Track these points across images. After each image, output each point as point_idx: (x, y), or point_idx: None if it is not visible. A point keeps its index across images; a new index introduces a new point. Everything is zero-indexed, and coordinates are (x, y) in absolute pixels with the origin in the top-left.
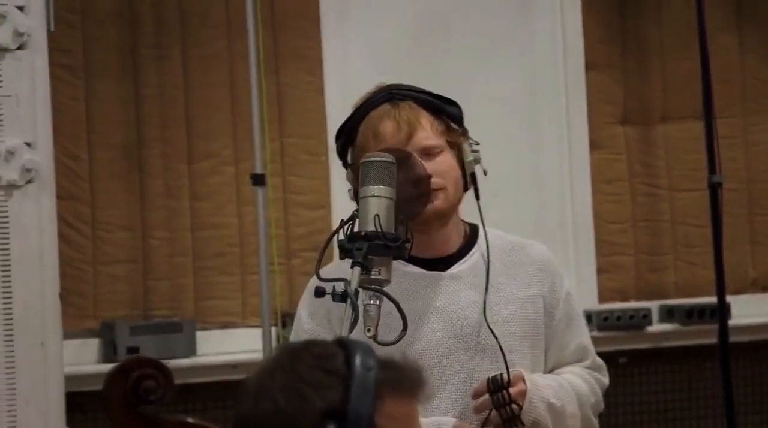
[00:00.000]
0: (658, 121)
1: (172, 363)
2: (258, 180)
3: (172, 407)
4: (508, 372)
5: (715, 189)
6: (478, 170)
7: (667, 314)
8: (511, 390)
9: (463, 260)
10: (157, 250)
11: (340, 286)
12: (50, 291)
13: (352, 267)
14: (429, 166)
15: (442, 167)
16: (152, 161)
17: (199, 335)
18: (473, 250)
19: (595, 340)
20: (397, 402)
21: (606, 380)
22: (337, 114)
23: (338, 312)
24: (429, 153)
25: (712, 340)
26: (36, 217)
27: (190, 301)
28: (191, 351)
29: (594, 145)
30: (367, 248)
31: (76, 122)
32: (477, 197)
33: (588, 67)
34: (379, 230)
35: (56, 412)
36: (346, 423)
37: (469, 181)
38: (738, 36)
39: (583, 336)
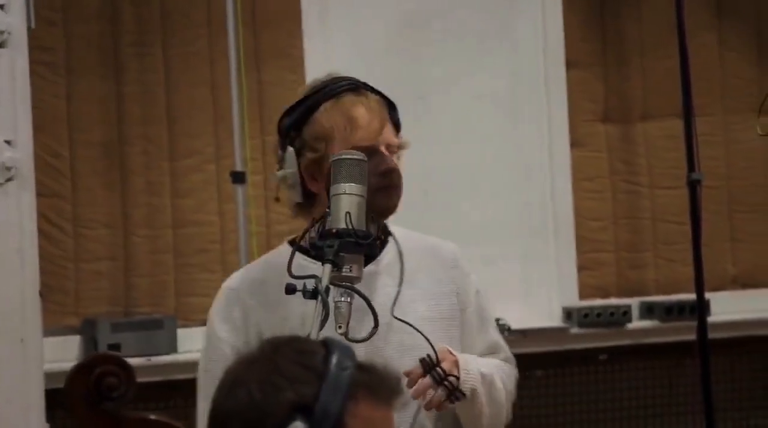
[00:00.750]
0: (638, 118)
1: (154, 359)
2: (238, 177)
3: (152, 402)
4: (433, 348)
5: (694, 186)
6: None
7: (647, 311)
8: (443, 364)
9: (378, 259)
10: (138, 247)
11: (310, 283)
12: (30, 289)
13: (323, 264)
14: (396, 162)
15: (401, 166)
16: (134, 159)
17: (181, 332)
18: (387, 248)
19: (575, 337)
20: (370, 405)
21: (516, 372)
22: None
23: (256, 317)
24: (391, 151)
25: (692, 337)
26: (16, 215)
27: (172, 298)
28: (172, 347)
29: (575, 143)
30: (339, 245)
31: (58, 120)
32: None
33: (569, 65)
34: (351, 227)
35: (36, 409)
36: (313, 418)
37: None
38: (718, 34)
39: (494, 332)
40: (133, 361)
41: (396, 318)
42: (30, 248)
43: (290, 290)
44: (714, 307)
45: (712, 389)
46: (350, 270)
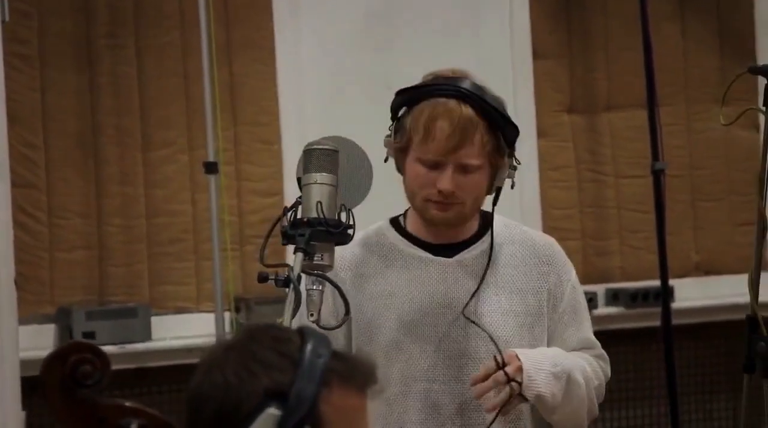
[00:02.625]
0: (603, 109)
1: (128, 347)
2: (210, 168)
3: (126, 389)
4: (500, 352)
5: (658, 175)
6: (507, 182)
7: (613, 297)
8: (507, 369)
9: (471, 247)
10: (112, 237)
11: (283, 272)
12: (5, 278)
13: (294, 252)
14: (459, 179)
15: (469, 186)
16: (107, 149)
17: (155, 320)
18: (483, 239)
19: None
20: (344, 393)
21: (609, 370)
22: (289, 103)
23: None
24: (466, 169)
25: (656, 323)
26: None
27: (145, 287)
28: (147, 335)
29: (541, 133)
30: (310, 234)
31: (32, 111)
32: (494, 205)
33: (535, 56)
34: (322, 216)
35: (12, 397)
36: (287, 405)
37: (493, 190)
38: (681, 25)
39: (587, 329)
40: (107, 349)
41: (466, 317)
42: (4, 237)
43: (263, 278)
44: (678, 294)
45: (676, 373)
46: (321, 259)
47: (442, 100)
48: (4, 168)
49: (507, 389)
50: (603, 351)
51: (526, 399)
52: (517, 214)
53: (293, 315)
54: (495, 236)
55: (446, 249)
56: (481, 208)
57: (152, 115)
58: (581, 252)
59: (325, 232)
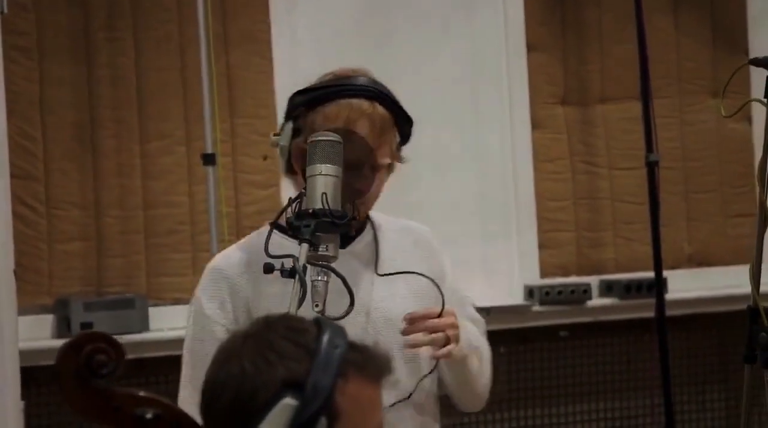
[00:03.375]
0: (597, 101)
1: (126, 338)
2: (208, 159)
3: (124, 380)
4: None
5: (652, 167)
6: None
7: (607, 289)
8: (445, 319)
9: (358, 239)
10: (110, 228)
11: (288, 262)
12: (4, 268)
13: (300, 244)
14: (371, 180)
15: (377, 185)
16: (105, 141)
17: (152, 311)
18: (366, 230)
19: (537, 314)
20: (360, 383)
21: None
22: (286, 95)
23: (245, 295)
24: (376, 169)
25: (650, 314)
26: None
27: (143, 278)
28: (144, 326)
29: (535, 125)
30: (315, 225)
31: (30, 103)
32: None
33: (529, 48)
34: (327, 208)
35: (11, 387)
36: (304, 395)
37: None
38: (673, 18)
39: (471, 309)
40: None
41: (379, 274)
42: (4, 228)
43: (268, 269)
44: (671, 285)
45: (669, 364)
46: (326, 250)
47: (355, 100)
48: (4, 160)
49: (441, 335)
50: (485, 329)
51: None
52: (512, 206)
53: (298, 306)
54: (376, 226)
55: None
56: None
57: (150, 107)
58: (575, 243)
59: (330, 223)
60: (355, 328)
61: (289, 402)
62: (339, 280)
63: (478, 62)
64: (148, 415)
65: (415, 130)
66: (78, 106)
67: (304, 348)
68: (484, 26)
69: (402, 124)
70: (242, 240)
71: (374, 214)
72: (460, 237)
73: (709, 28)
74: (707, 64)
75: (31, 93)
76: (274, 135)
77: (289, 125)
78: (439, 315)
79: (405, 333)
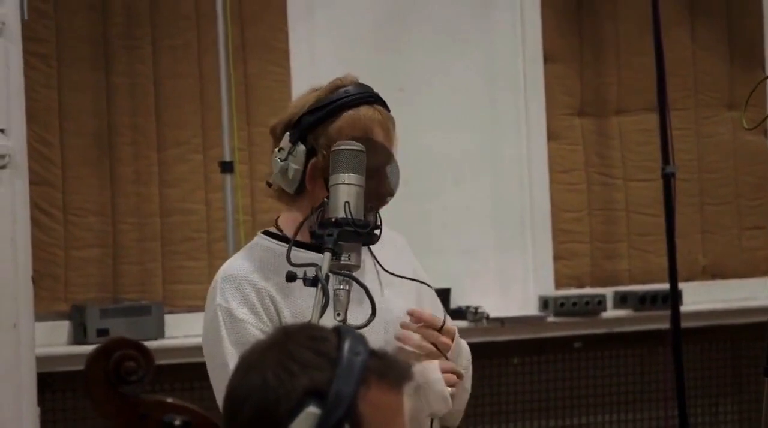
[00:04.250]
0: (613, 113)
1: None
2: (226, 167)
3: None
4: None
5: (668, 179)
6: None
7: (621, 300)
8: (442, 339)
9: None
10: (126, 235)
11: (311, 271)
12: (23, 275)
13: (323, 252)
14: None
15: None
16: (123, 148)
17: (168, 318)
18: None
19: (551, 325)
20: (382, 391)
21: None
22: None
23: (271, 299)
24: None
25: (665, 326)
26: (9, 202)
27: (159, 285)
28: (160, 333)
29: (551, 136)
30: (338, 234)
31: (49, 110)
32: None
33: (546, 59)
34: (349, 217)
35: (28, 392)
36: (327, 403)
37: None
38: (690, 30)
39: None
40: None
41: (390, 274)
42: (23, 234)
43: (290, 277)
44: (686, 297)
45: (684, 376)
46: (349, 259)
47: (361, 109)
48: (23, 165)
49: (429, 346)
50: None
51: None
52: (527, 216)
53: (321, 314)
54: None
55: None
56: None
57: (167, 115)
58: (590, 254)
59: (353, 233)
60: (375, 335)
61: (312, 410)
62: (354, 289)
63: (495, 73)
64: (177, 422)
65: (432, 139)
66: (96, 113)
67: (325, 356)
68: (501, 37)
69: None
70: (242, 253)
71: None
72: (475, 248)
73: (726, 41)
74: (724, 76)
75: (49, 99)
76: (280, 160)
77: (301, 148)
78: (440, 329)
79: (403, 326)
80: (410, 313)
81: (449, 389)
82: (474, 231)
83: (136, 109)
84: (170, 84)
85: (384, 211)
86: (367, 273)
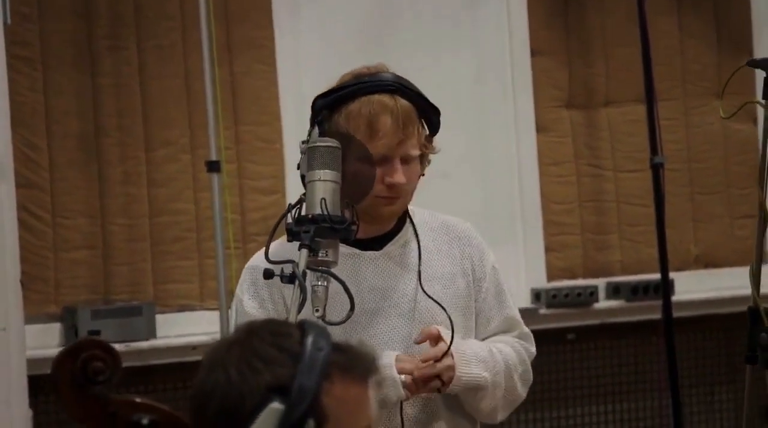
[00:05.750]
0: (601, 104)
1: (133, 345)
2: (213, 166)
3: (132, 387)
4: (452, 341)
5: (657, 169)
6: None
7: (614, 291)
8: (441, 364)
9: (395, 239)
10: (116, 236)
11: (288, 268)
12: (11, 277)
13: (299, 249)
14: (404, 171)
15: (411, 177)
16: (110, 149)
17: (159, 318)
18: (404, 229)
19: (544, 317)
20: (346, 385)
21: (533, 349)
22: (290, 102)
23: (282, 292)
24: (407, 161)
25: (657, 316)
26: None
27: (150, 285)
28: (151, 333)
29: (540, 128)
30: (314, 231)
31: (35, 113)
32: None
33: (533, 52)
34: (326, 213)
35: (19, 395)
36: (290, 399)
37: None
38: (678, 20)
39: (510, 308)
40: None
41: (427, 295)
42: (10, 237)
43: (268, 275)
44: (678, 287)
45: (677, 366)
46: (326, 255)
47: (376, 96)
48: (8, 169)
49: (436, 382)
50: (527, 330)
51: (439, 391)
52: (518, 209)
53: (299, 311)
54: (416, 224)
55: (372, 243)
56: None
57: (154, 115)
58: (581, 246)
59: (330, 229)
60: (400, 331)
61: (275, 406)
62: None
63: (483, 66)
64: (144, 421)
65: None
66: (82, 115)
67: (288, 352)
68: (488, 31)
69: (428, 114)
70: (277, 241)
71: (414, 208)
72: None
73: (713, 29)
74: (712, 66)
75: (35, 103)
76: (303, 142)
77: (316, 130)
78: (447, 351)
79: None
80: (415, 342)
81: (403, 376)
82: None
83: (123, 110)
84: (156, 84)
85: None
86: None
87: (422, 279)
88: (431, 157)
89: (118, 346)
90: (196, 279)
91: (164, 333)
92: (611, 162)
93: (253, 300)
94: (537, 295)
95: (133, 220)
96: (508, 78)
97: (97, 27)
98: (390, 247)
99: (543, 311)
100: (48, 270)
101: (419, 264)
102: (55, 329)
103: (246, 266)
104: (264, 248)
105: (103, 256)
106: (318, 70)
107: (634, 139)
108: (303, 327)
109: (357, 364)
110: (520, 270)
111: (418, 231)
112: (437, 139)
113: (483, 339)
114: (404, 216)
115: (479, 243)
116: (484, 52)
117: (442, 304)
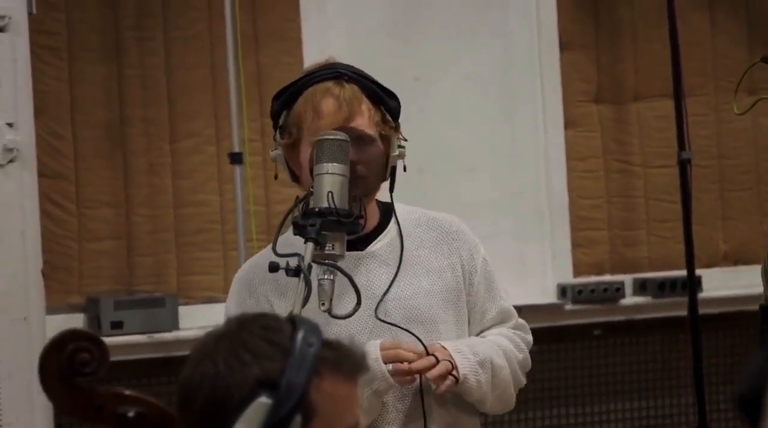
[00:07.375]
0: (631, 99)
1: (156, 336)
2: (236, 158)
3: (153, 378)
4: (425, 346)
5: (684, 165)
6: (399, 165)
7: (640, 287)
8: (436, 353)
9: (378, 238)
10: (140, 227)
11: (293, 261)
12: (33, 268)
13: (306, 242)
14: (358, 153)
15: (369, 157)
16: (135, 140)
17: (182, 309)
18: (388, 227)
19: (570, 313)
20: (335, 381)
21: (530, 337)
22: None
23: (269, 304)
24: (361, 140)
25: (684, 312)
26: (18, 195)
27: (173, 276)
28: (174, 325)
29: (568, 123)
30: (321, 224)
31: (60, 102)
32: (391, 190)
33: (562, 46)
34: (333, 206)
35: (39, 386)
36: (278, 393)
37: (388, 172)
38: (709, 15)
39: (503, 299)
40: (135, 338)
41: (379, 319)
42: (32, 227)
43: (273, 268)
44: (705, 283)
45: (702, 363)
46: (333, 249)
47: (321, 84)
48: (31, 158)
49: (445, 363)
50: (522, 321)
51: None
52: (545, 204)
53: (303, 305)
54: (400, 221)
55: (354, 244)
56: (380, 199)
57: (179, 106)
58: (609, 242)
59: (336, 222)
60: (381, 329)
61: (263, 400)
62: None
63: (511, 61)
64: (131, 413)
65: (448, 128)
66: (108, 105)
67: (278, 346)
68: (516, 25)
69: (383, 99)
70: (264, 250)
71: (398, 206)
72: (494, 236)
73: (745, 25)
74: (743, 62)
75: (60, 92)
76: (272, 151)
77: (277, 133)
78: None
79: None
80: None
81: (389, 365)
82: (492, 220)
83: (148, 100)
84: (182, 75)
85: (400, 200)
86: (385, 260)
87: (409, 278)
88: (450, 151)
89: (141, 337)
90: (220, 270)
91: (187, 325)
92: (640, 157)
93: (238, 310)
94: (563, 291)
95: (157, 211)
96: (536, 72)
97: (123, 17)
98: (374, 246)
99: (569, 307)
100: (72, 260)
101: (400, 258)
102: (78, 319)
103: (234, 277)
104: (251, 258)
105: (126, 247)
106: (345, 62)
107: (664, 134)
108: (294, 322)
109: (347, 361)
110: (547, 265)
111: (403, 228)
112: (457, 133)
113: (479, 333)
114: (387, 215)
115: (468, 237)
116: (513, 45)
117: (431, 300)
